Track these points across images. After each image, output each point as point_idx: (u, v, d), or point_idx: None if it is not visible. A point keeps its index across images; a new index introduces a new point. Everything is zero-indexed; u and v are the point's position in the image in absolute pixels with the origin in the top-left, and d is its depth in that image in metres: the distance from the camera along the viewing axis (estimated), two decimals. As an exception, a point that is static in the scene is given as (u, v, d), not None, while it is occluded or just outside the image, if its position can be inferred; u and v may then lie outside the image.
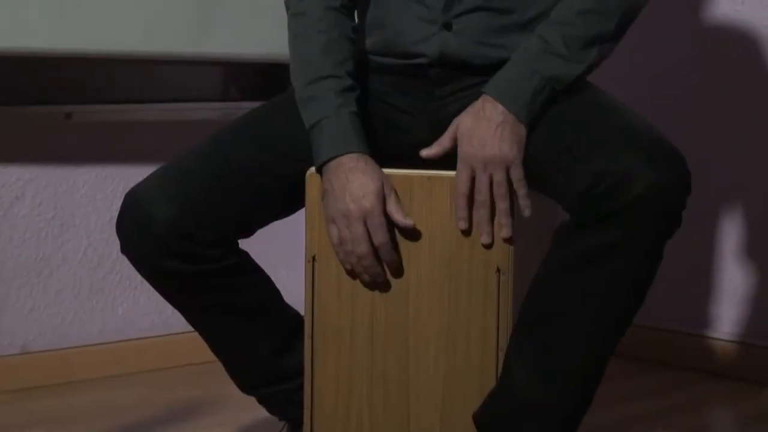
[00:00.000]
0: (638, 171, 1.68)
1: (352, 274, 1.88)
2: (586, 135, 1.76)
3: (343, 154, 1.83)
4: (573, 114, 1.81)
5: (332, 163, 1.83)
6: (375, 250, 1.83)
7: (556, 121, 1.81)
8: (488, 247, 1.84)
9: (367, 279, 1.87)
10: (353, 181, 1.81)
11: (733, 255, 2.91)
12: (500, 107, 1.80)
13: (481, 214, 1.82)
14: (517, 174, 1.80)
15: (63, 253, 2.82)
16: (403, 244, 1.87)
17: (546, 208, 1.86)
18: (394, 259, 1.85)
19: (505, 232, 1.82)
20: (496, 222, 1.82)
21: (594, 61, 1.83)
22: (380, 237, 1.82)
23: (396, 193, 1.84)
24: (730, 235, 2.91)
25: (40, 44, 2.55)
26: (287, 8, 1.97)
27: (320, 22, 1.91)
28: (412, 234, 1.86)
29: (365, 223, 1.82)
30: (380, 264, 1.85)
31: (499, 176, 1.80)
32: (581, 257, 1.74)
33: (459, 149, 1.82)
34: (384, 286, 1.88)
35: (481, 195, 1.81)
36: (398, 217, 1.83)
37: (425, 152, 1.86)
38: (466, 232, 1.84)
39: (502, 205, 1.81)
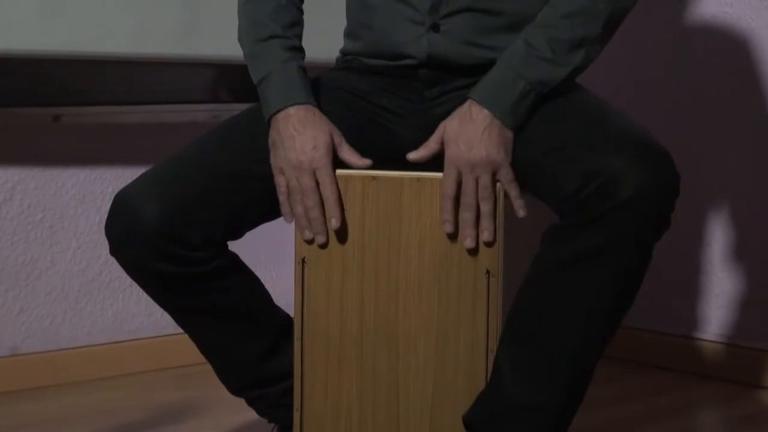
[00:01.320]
0: (627, 172, 1.68)
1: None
2: (574, 136, 1.76)
3: (291, 105, 1.86)
4: (561, 116, 1.81)
5: (280, 115, 1.86)
6: (321, 202, 1.85)
7: (544, 123, 1.81)
8: (472, 251, 1.84)
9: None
10: (302, 133, 1.84)
11: (721, 256, 2.91)
12: (486, 112, 1.81)
13: (466, 216, 1.82)
14: (506, 176, 1.81)
15: (52, 255, 2.82)
16: (393, 245, 1.87)
17: (535, 209, 1.86)
18: (339, 213, 1.86)
19: (487, 236, 1.82)
20: (480, 225, 1.83)
21: (580, 64, 1.84)
22: (329, 189, 1.84)
23: (344, 139, 1.87)
24: (718, 236, 2.92)
25: (28, 46, 2.55)
26: None
27: None
28: (402, 233, 1.86)
29: (314, 175, 1.83)
30: (324, 217, 1.86)
31: (485, 179, 1.80)
32: (570, 259, 1.74)
33: (446, 153, 1.83)
34: (373, 287, 1.88)
35: (467, 198, 1.81)
36: (354, 159, 1.86)
37: (412, 155, 1.87)
38: (452, 235, 1.84)
39: (485, 208, 1.81)
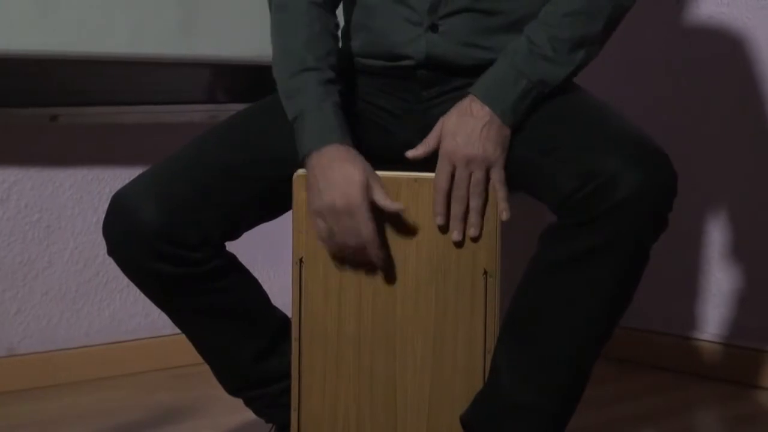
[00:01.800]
0: (624, 173, 1.68)
1: (341, 268, 1.88)
2: (572, 137, 1.77)
3: (325, 145, 1.82)
4: (559, 116, 1.81)
5: (315, 155, 1.83)
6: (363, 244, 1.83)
7: (542, 123, 1.81)
8: (469, 251, 1.84)
9: (355, 275, 1.87)
10: (337, 171, 1.80)
11: (718, 256, 2.91)
12: (486, 108, 1.81)
13: (456, 210, 1.82)
14: (497, 176, 1.81)
15: (49, 256, 2.82)
16: (391, 245, 1.87)
17: (533, 209, 1.87)
18: (382, 253, 1.84)
19: (473, 231, 1.83)
20: (468, 220, 1.83)
21: (581, 63, 1.84)
22: (367, 230, 1.81)
23: (380, 180, 1.83)
24: (716, 236, 2.92)
25: (26, 45, 2.55)
26: (270, 3, 1.97)
27: (303, 16, 1.91)
28: (400, 234, 1.86)
29: (351, 216, 1.81)
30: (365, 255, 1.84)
31: (478, 174, 1.80)
32: (568, 259, 1.74)
33: (442, 146, 1.82)
34: (371, 288, 1.88)
35: (460, 191, 1.81)
36: (387, 203, 1.82)
37: (411, 153, 1.86)
38: (443, 228, 1.84)
39: (475, 203, 1.81)
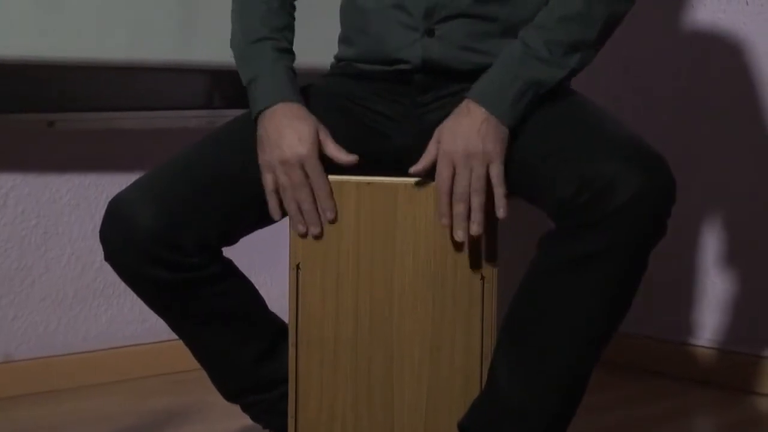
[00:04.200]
0: (623, 178, 1.68)
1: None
2: (570, 142, 1.76)
3: (277, 103, 1.87)
4: (557, 121, 1.81)
5: (267, 112, 1.87)
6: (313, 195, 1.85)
7: (539, 128, 1.81)
8: (467, 256, 1.83)
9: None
10: (287, 127, 1.85)
11: (715, 262, 2.92)
12: (483, 109, 1.80)
13: (458, 208, 1.81)
14: (496, 171, 1.79)
15: (46, 261, 2.82)
16: (388, 250, 1.87)
17: (530, 215, 1.87)
18: (332, 205, 1.86)
19: (476, 228, 1.80)
20: (470, 217, 1.82)
21: (576, 67, 1.84)
22: (318, 179, 1.84)
23: (329, 134, 1.87)
24: (713, 242, 2.92)
25: (23, 51, 2.55)
26: None
27: None
28: (397, 238, 1.86)
29: (303, 168, 1.84)
30: (317, 209, 1.86)
31: (479, 171, 1.79)
32: (566, 264, 1.74)
33: (441, 146, 1.81)
34: (368, 293, 1.88)
35: (461, 189, 1.79)
36: (339, 154, 1.86)
37: (414, 169, 1.83)
38: (447, 240, 1.84)
39: (476, 201, 1.80)
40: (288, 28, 1.98)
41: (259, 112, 1.88)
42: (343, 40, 2.04)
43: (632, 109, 2.98)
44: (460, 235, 1.82)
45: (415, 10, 1.91)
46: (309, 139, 1.84)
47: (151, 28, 2.69)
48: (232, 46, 1.98)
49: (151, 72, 2.83)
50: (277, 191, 1.87)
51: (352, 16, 2.01)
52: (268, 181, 1.87)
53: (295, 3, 2.02)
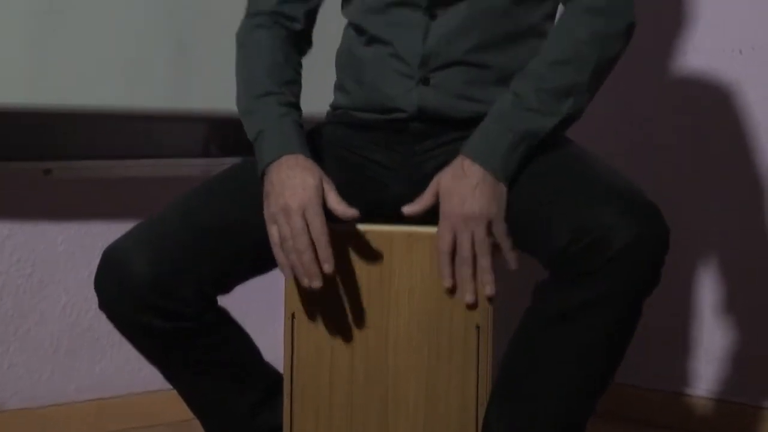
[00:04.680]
0: (617, 227, 1.68)
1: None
2: (564, 191, 1.77)
3: (283, 156, 1.85)
4: (550, 171, 1.82)
5: (272, 166, 1.85)
6: (314, 247, 1.80)
7: (533, 178, 1.82)
8: (472, 306, 1.83)
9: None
10: (292, 178, 1.82)
11: (710, 311, 2.91)
12: (477, 166, 1.81)
13: (464, 272, 1.82)
14: (500, 229, 1.80)
15: (41, 310, 2.81)
16: (384, 300, 1.87)
17: (525, 264, 1.87)
18: (330, 256, 1.80)
19: (489, 290, 1.82)
20: (478, 280, 1.82)
21: (569, 114, 1.84)
22: (318, 228, 1.79)
23: (333, 186, 1.83)
24: (707, 291, 2.92)
25: (20, 99, 2.55)
26: (237, 40, 2.02)
27: (267, 48, 1.98)
28: (393, 287, 1.86)
29: (304, 217, 1.81)
30: (318, 264, 1.81)
31: (480, 233, 1.80)
32: (560, 314, 1.74)
33: (441, 209, 1.82)
34: (364, 342, 1.88)
35: (464, 252, 1.81)
36: (340, 207, 1.82)
37: (407, 209, 1.86)
38: (443, 290, 1.84)
39: (484, 263, 1.81)
40: (294, 82, 1.97)
41: (266, 167, 1.87)
42: (339, 87, 2.05)
43: (625, 157, 2.98)
44: (469, 299, 1.82)
45: (410, 58, 1.92)
46: (312, 187, 1.81)
47: (147, 76, 2.70)
48: (237, 100, 1.97)
49: (148, 120, 2.83)
50: (281, 243, 1.83)
51: (347, 64, 2.02)
52: (273, 233, 1.83)
53: (302, 60, 2.03)
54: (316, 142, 1.99)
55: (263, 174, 1.87)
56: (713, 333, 2.91)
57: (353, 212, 1.82)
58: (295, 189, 1.81)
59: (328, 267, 1.80)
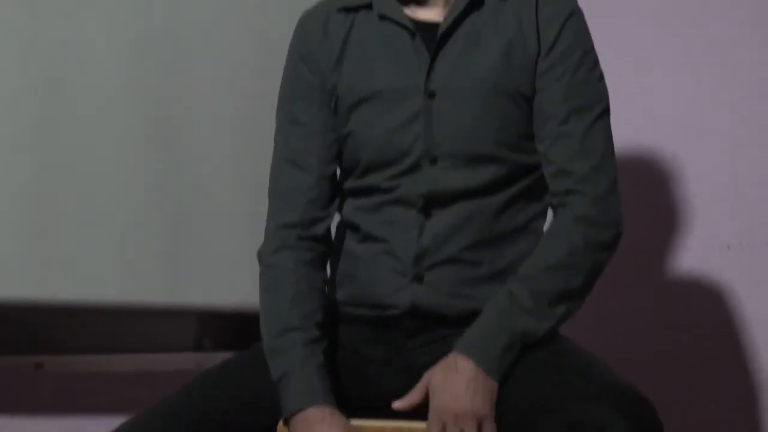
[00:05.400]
0: (611, 423, 1.67)
1: None
2: (557, 388, 1.77)
3: (307, 407, 1.83)
4: (544, 366, 1.82)
5: (298, 417, 1.84)
6: None
7: (526, 374, 1.82)
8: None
9: None
10: None
11: None
12: (471, 363, 1.82)
13: None
14: (489, 429, 1.80)
15: None
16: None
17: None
18: None
19: None
20: None
21: (562, 317, 1.86)
22: None
23: None
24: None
25: (11, 293, 2.55)
26: (260, 260, 2.01)
27: (290, 274, 1.96)
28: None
29: None
30: None
31: (470, 431, 1.80)
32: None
33: (431, 402, 1.82)
34: None
35: (454, 448, 1.80)
36: None
37: (397, 404, 1.86)
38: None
39: None
40: (319, 309, 1.95)
41: (290, 416, 1.86)
42: (332, 283, 2.06)
43: (616, 355, 2.98)
44: None
45: (405, 256, 1.94)
46: None
47: (140, 270, 2.71)
48: (261, 331, 1.95)
49: (140, 314, 2.84)
50: None
51: (341, 260, 2.04)
52: None
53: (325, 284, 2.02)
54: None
55: (287, 420, 1.86)
56: None
57: None
58: None
59: None
